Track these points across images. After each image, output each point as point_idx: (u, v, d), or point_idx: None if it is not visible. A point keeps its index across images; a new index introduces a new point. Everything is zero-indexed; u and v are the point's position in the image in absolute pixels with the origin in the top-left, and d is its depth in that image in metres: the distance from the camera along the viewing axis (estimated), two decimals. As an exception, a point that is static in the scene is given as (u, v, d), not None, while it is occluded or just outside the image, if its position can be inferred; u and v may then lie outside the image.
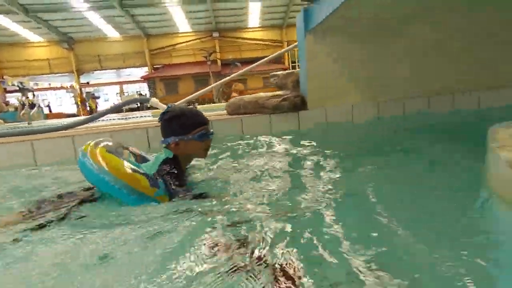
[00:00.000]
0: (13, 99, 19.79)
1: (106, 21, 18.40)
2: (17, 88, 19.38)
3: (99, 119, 3.70)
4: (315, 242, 0.94)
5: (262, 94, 3.74)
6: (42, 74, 20.40)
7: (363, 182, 1.47)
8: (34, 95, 18.56)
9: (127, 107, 14.03)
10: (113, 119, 6.49)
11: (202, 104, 11.07)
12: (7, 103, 19.20)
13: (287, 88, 3.82)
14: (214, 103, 13.58)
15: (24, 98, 18.20)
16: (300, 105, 3.38)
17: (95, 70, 20.74)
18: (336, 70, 3.45)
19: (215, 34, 20.47)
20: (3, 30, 18.48)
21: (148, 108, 14.12)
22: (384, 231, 0.99)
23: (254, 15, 19.69)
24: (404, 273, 0.77)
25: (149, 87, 19.96)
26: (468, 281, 0.73)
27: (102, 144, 1.43)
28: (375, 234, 0.96)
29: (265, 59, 4.58)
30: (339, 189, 1.40)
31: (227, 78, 4.60)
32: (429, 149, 2.11)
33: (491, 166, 1.08)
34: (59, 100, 23.11)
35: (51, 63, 20.10)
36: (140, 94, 19.42)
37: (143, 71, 20.53)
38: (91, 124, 3.88)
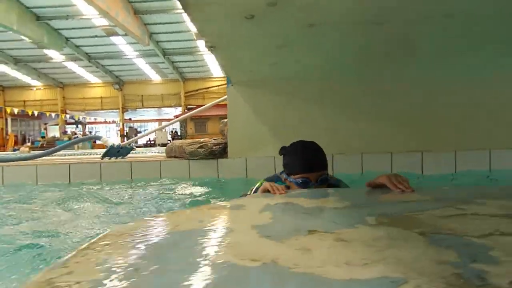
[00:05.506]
0: (69, 130, 22.94)
1: (151, 66, 21.00)
2: (73, 121, 22.55)
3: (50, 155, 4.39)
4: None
5: (189, 140, 4.08)
6: (95, 110, 23.47)
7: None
8: (84, 127, 21.34)
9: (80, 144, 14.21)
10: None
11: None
12: (65, 133, 22.35)
13: (224, 134, 3.87)
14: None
15: (76, 130, 21.05)
16: (219, 153, 3.39)
17: (138, 108, 23.30)
18: (256, 122, 3.40)
19: (245, 79, 21.84)
20: (71, 74, 22.08)
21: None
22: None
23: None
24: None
25: (181, 125, 21.68)
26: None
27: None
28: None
29: (208, 104, 5.04)
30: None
31: (178, 118, 5.16)
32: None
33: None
34: (108, 133, 26.04)
35: (103, 101, 23.13)
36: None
37: (178, 110, 22.48)
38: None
